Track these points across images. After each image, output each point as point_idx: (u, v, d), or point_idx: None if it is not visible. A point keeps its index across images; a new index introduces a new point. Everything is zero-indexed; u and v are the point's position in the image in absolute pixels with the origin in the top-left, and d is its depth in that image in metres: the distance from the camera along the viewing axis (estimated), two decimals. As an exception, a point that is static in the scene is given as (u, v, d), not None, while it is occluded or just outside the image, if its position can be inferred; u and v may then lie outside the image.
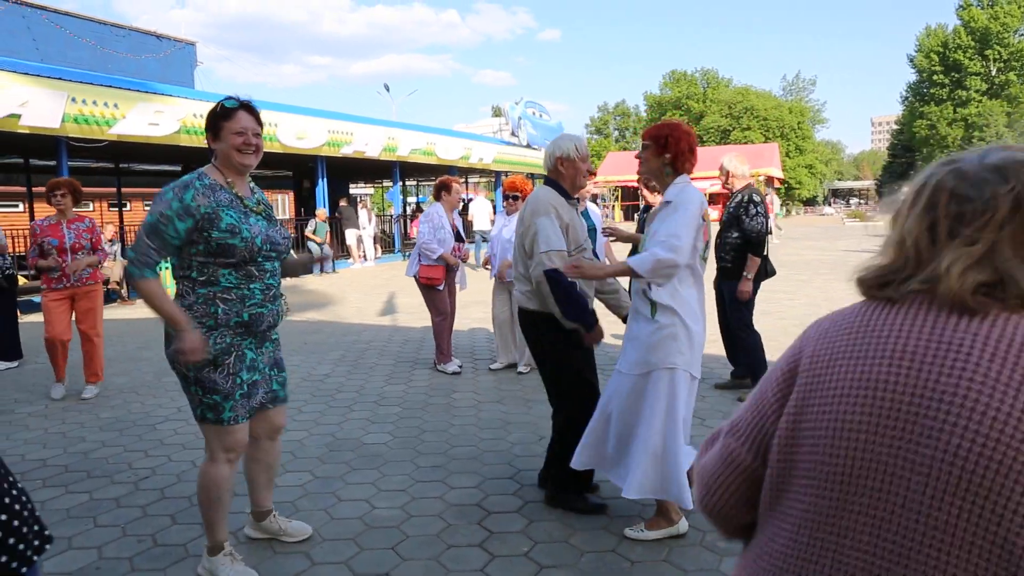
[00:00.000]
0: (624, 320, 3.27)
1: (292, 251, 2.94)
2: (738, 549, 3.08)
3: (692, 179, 3.02)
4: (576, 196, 3.34)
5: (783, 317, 8.36)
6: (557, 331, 3.21)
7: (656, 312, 2.90)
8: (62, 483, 3.83)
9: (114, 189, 21.19)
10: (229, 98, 2.67)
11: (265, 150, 11.13)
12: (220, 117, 2.63)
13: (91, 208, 32.71)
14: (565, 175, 3.26)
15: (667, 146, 2.95)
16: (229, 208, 2.59)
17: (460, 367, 6.19)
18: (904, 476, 0.84)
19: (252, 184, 2.83)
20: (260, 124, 2.72)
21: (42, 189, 5.77)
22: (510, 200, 5.98)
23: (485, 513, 3.36)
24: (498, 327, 6.27)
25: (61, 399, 5.55)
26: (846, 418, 0.89)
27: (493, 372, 6.15)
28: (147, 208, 24.52)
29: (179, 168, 21.40)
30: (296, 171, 23.58)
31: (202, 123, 10.47)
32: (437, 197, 6.30)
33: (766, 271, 5.19)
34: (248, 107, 2.66)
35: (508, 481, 3.72)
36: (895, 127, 62.82)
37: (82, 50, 20.26)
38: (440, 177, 6.43)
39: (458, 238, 6.26)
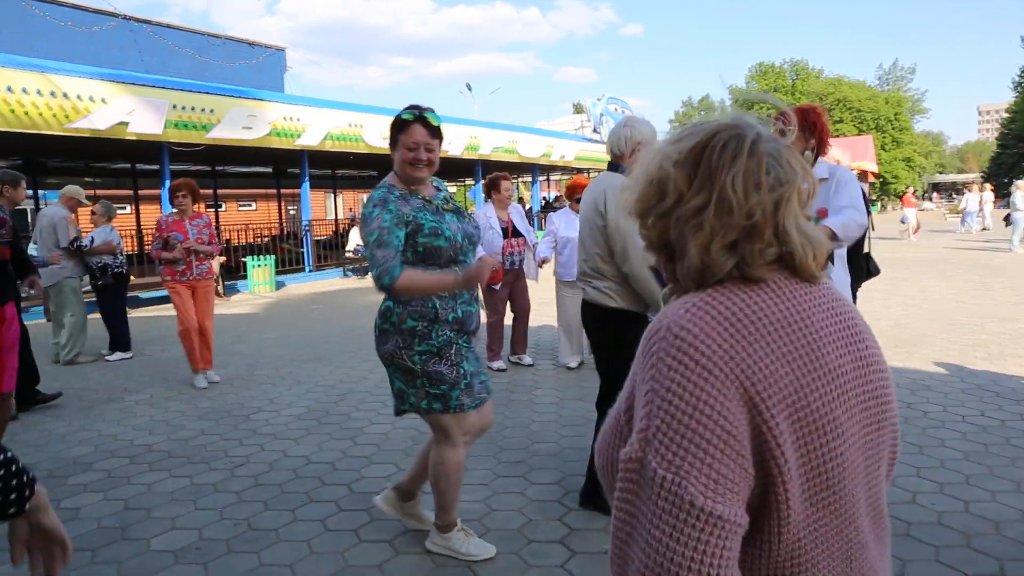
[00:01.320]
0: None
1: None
2: None
3: None
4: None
5: (878, 318, 7.96)
6: (636, 331, 3.16)
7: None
8: (166, 468, 4.06)
9: (211, 191, 22.32)
10: (409, 108, 2.67)
11: (351, 150, 11.50)
12: (396, 129, 2.67)
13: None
14: (626, 165, 3.14)
15: (813, 132, 2.94)
16: (424, 212, 2.65)
17: (505, 366, 6.25)
18: (863, 444, 0.92)
19: (435, 182, 2.86)
20: (437, 136, 2.69)
21: (151, 192, 6.22)
22: (577, 201, 5.91)
23: (566, 510, 3.35)
24: (568, 326, 6.16)
25: (205, 387, 5.87)
26: (836, 418, 0.89)
27: (574, 370, 6.12)
28: (241, 208, 25.72)
29: (269, 169, 22.37)
30: (382, 171, 24.18)
31: (290, 125, 10.90)
32: (487, 196, 6.31)
33: (868, 270, 4.91)
34: (424, 119, 2.64)
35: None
36: (1005, 115, 58.74)
37: (182, 60, 21.48)
38: (490, 175, 6.41)
39: (515, 234, 6.18)
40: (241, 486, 3.75)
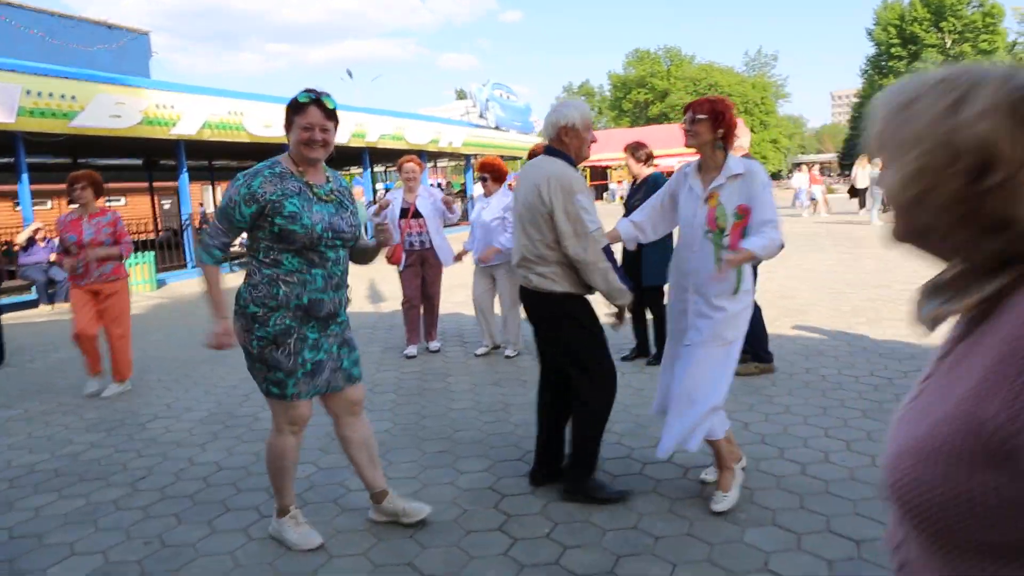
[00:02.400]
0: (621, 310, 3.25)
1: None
2: (761, 518, 3.01)
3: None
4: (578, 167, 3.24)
5: (765, 289, 8.40)
6: (586, 314, 3.16)
7: (741, 287, 3.00)
8: (55, 488, 3.68)
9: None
10: (305, 91, 2.73)
11: (231, 140, 10.89)
12: (293, 110, 2.73)
13: (48, 206, 31.78)
14: (569, 145, 3.14)
15: (722, 122, 2.97)
16: (296, 196, 2.70)
17: (415, 353, 6.21)
18: None
19: (329, 173, 2.90)
20: (332, 119, 2.76)
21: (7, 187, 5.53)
22: (488, 181, 5.86)
23: (499, 496, 3.30)
24: (480, 311, 6.15)
25: (111, 396, 5.40)
26: None
27: (485, 356, 6.07)
28: (109, 203, 23.99)
29: (140, 162, 20.84)
30: (261, 159, 23.07)
31: (164, 113, 10.17)
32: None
33: None
34: (319, 102, 2.71)
35: (518, 463, 3.66)
36: (855, 100, 63.73)
37: (30, 42, 19.49)
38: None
39: (416, 215, 6.03)
40: (146, 501, 3.45)
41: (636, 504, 3.14)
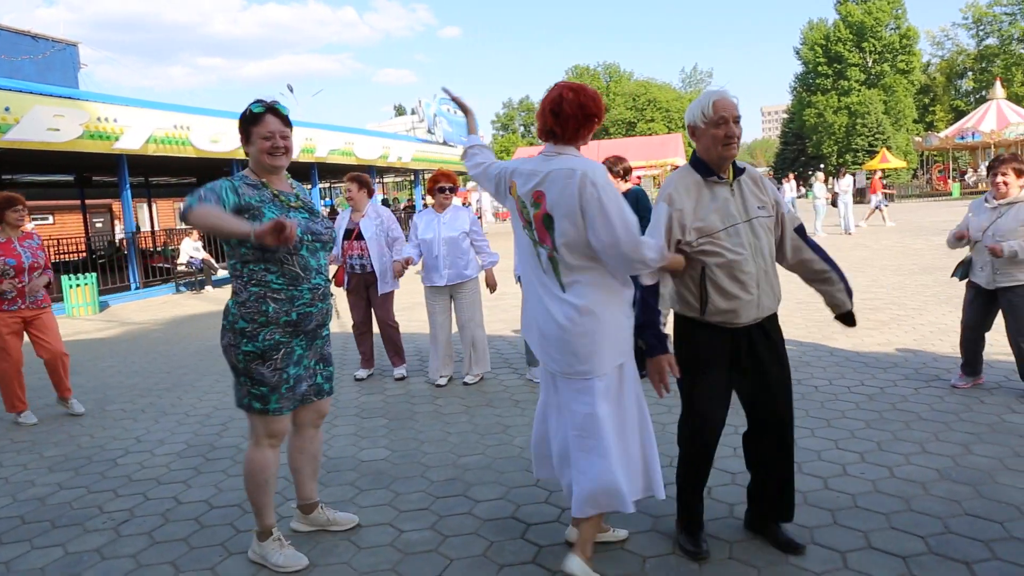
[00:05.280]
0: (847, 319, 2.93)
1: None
2: (800, 536, 2.89)
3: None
4: (720, 172, 2.67)
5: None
6: (683, 338, 2.79)
7: None
8: (22, 537, 3.32)
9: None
10: (256, 102, 2.76)
11: (176, 155, 10.53)
12: (248, 122, 2.74)
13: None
14: (698, 147, 2.71)
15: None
16: (271, 204, 2.73)
17: (369, 375, 6.01)
18: None
19: (291, 181, 2.94)
20: (288, 125, 2.80)
21: None
22: (446, 192, 5.52)
23: (525, 526, 3.13)
24: (437, 340, 5.59)
25: (83, 412, 5.38)
26: None
27: (443, 387, 5.58)
28: (36, 223, 22.70)
29: (72, 178, 19.85)
30: (202, 177, 22.31)
31: (106, 127, 9.76)
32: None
33: None
34: (274, 110, 2.75)
35: (534, 489, 3.50)
36: (784, 116, 66.18)
37: (-55, 51, 18.38)
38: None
39: (359, 237, 5.70)
40: (135, 547, 3.14)
41: (667, 527, 3.02)
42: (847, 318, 2.94)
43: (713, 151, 2.63)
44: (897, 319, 7.14)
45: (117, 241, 21.10)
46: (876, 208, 20.01)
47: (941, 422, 4.14)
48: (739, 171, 2.73)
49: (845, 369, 5.38)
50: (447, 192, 5.51)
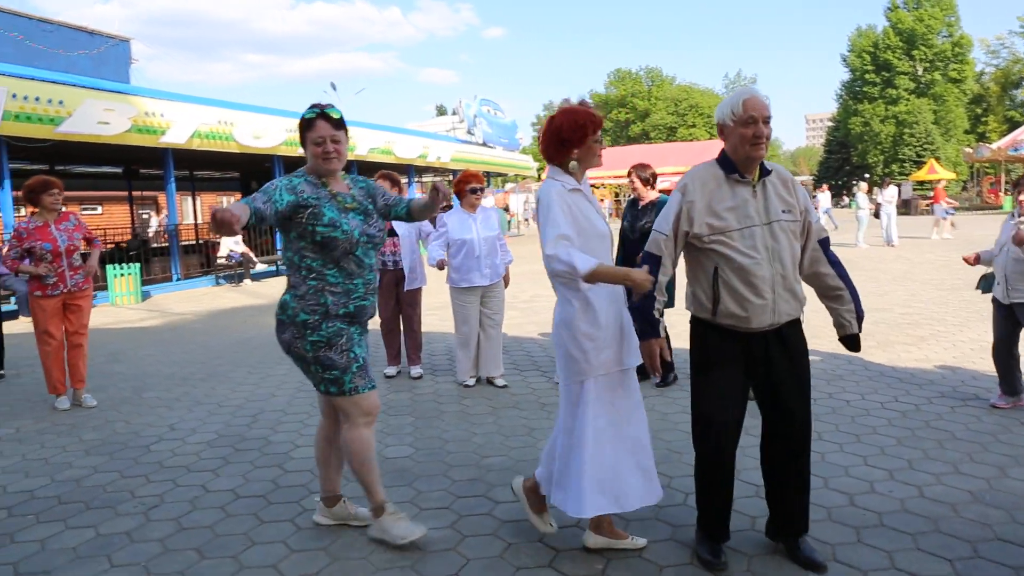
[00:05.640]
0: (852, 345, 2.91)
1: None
2: (822, 553, 2.82)
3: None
4: (745, 172, 2.65)
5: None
6: (694, 339, 2.81)
7: None
8: (59, 517, 3.43)
9: (50, 193, 20.03)
10: (310, 107, 2.86)
11: (220, 150, 10.77)
12: (303, 128, 2.87)
13: (22, 213, 31.01)
14: (726, 145, 2.69)
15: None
16: (329, 203, 2.84)
17: (397, 372, 6.08)
18: None
19: (349, 179, 3.05)
20: (340, 128, 2.87)
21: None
22: (477, 193, 5.54)
23: (543, 529, 3.13)
24: (467, 343, 5.63)
25: (95, 405, 5.37)
26: None
27: (471, 388, 5.62)
28: (85, 212, 23.50)
29: (120, 170, 20.42)
30: (245, 172, 22.76)
31: (153, 121, 10.04)
32: None
33: None
34: (325, 115, 2.84)
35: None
36: (830, 124, 64.88)
37: (7, 45, 19.03)
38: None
39: (391, 233, 5.74)
40: (162, 532, 3.23)
41: (686, 537, 2.99)
42: (851, 341, 2.88)
43: (740, 150, 2.62)
44: (937, 335, 6.96)
45: (151, 234, 21.64)
46: (942, 219, 18.70)
47: (977, 442, 4.03)
48: (766, 172, 2.70)
49: (879, 384, 5.27)
50: (478, 192, 5.55)
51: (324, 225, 2.78)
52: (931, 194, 38.52)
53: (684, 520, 3.13)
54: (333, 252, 2.81)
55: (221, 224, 2.32)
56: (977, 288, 4.87)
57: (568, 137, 2.72)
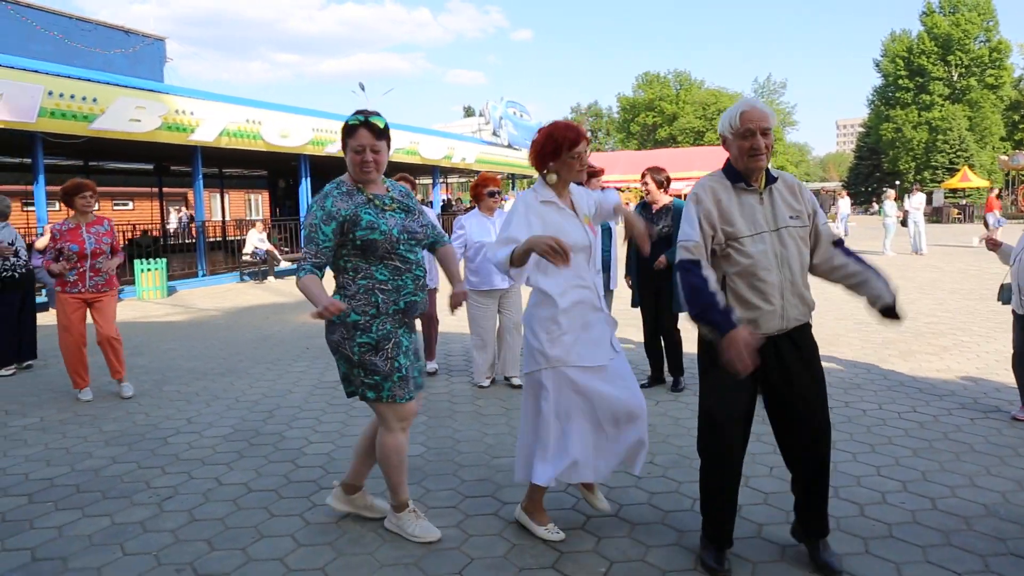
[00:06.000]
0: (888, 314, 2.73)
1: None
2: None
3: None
4: (750, 180, 2.66)
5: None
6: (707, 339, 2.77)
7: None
8: (76, 505, 3.52)
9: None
10: (356, 113, 2.86)
11: (247, 148, 10.93)
12: (345, 133, 2.87)
13: (57, 208, 31.72)
14: (730, 155, 2.72)
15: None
16: (365, 207, 2.85)
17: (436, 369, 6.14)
18: None
19: (388, 182, 3.05)
20: (382, 137, 2.86)
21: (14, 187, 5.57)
22: (495, 196, 5.58)
23: (548, 531, 3.14)
24: (485, 344, 5.68)
25: (131, 395, 5.53)
26: None
27: (486, 388, 5.65)
28: (116, 208, 24.07)
29: (151, 167, 20.81)
30: (272, 170, 23.05)
31: (183, 119, 10.21)
32: None
33: None
34: (369, 124, 2.83)
35: (563, 495, 3.51)
36: (860, 130, 63.94)
37: (47, 43, 19.51)
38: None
39: None
40: (175, 523, 3.29)
41: (692, 542, 2.98)
42: (890, 312, 2.72)
43: (740, 162, 2.65)
44: (961, 345, 6.84)
45: (176, 229, 21.95)
46: (996, 228, 17.96)
47: (996, 455, 3.95)
48: (771, 179, 2.71)
49: (897, 394, 5.19)
50: (496, 196, 5.58)
51: (362, 229, 2.81)
52: (963, 202, 37.80)
53: (689, 526, 3.12)
54: (376, 252, 2.83)
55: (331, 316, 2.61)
56: (998, 300, 4.77)
57: (546, 151, 2.92)
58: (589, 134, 3.14)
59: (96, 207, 5.62)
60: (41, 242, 6.77)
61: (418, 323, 6.10)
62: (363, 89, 35.37)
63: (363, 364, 2.86)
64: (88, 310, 5.50)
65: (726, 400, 2.68)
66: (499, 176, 5.50)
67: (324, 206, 2.81)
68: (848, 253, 2.79)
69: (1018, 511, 3.26)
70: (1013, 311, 4.59)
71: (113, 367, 5.56)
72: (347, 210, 2.81)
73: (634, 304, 5.57)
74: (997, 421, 4.55)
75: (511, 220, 2.91)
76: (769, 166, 2.74)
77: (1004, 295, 4.69)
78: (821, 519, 2.79)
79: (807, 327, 2.77)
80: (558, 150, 2.90)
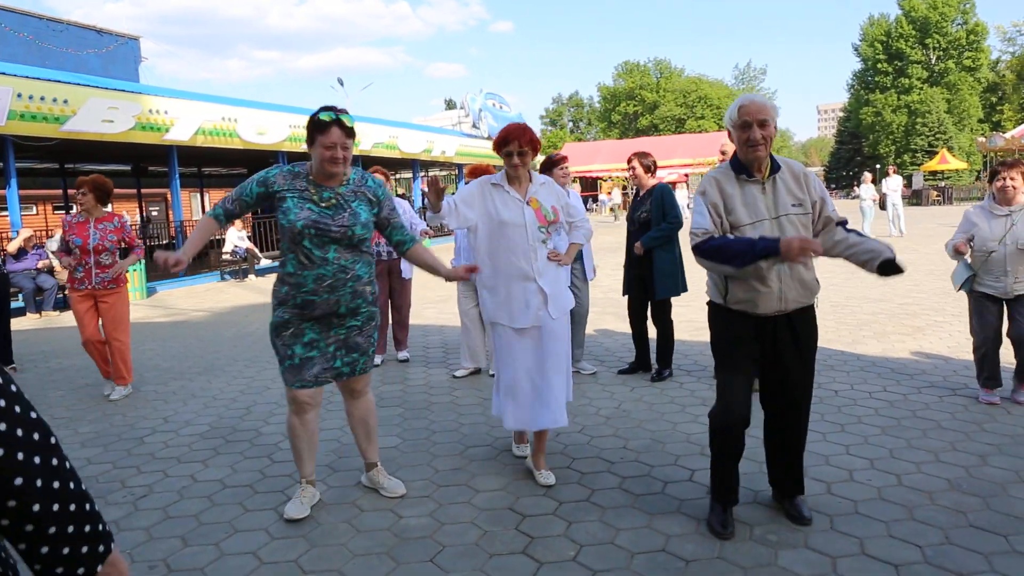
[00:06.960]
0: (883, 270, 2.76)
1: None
2: (793, 540, 2.91)
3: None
4: (753, 171, 2.81)
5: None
6: (715, 323, 3.02)
7: None
8: (50, 506, 3.51)
9: (59, 191, 20.27)
10: (326, 109, 2.93)
11: (224, 146, 10.87)
12: (315, 128, 2.93)
13: (34, 211, 31.35)
14: (735, 147, 2.88)
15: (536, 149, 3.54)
16: (298, 195, 2.98)
17: (382, 361, 6.22)
18: None
19: (357, 174, 3.14)
20: (351, 136, 2.97)
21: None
22: None
23: (520, 517, 3.18)
24: (467, 330, 5.75)
25: (117, 399, 5.46)
26: None
27: (468, 377, 5.73)
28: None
29: (129, 168, 20.60)
30: (251, 168, 22.90)
31: (157, 119, 10.14)
32: None
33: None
34: (340, 122, 2.91)
35: (535, 482, 3.55)
36: (841, 114, 64.36)
37: (17, 45, 19.26)
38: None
39: None
40: (149, 521, 3.30)
41: (662, 525, 3.03)
42: (890, 266, 2.74)
43: (741, 153, 2.83)
44: (934, 325, 6.94)
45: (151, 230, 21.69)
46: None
47: (961, 432, 4.03)
48: (776, 168, 2.84)
49: (869, 375, 5.27)
50: None
51: (280, 212, 2.99)
52: (942, 184, 38.14)
53: (661, 508, 3.17)
54: (289, 240, 2.99)
55: (164, 267, 2.79)
56: (961, 288, 4.72)
57: (494, 145, 3.48)
58: (536, 138, 3.50)
59: (108, 207, 5.61)
60: (13, 245, 6.73)
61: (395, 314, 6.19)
62: (342, 84, 35.21)
63: (273, 344, 3.13)
64: (97, 309, 5.48)
65: (740, 364, 2.92)
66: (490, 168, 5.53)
67: (268, 173, 3.05)
68: (848, 230, 2.93)
69: (980, 485, 3.33)
70: (980, 296, 4.58)
71: (115, 368, 5.54)
72: (279, 186, 2.99)
73: (624, 292, 5.63)
74: (964, 399, 4.64)
75: (465, 189, 3.50)
76: (775, 155, 2.90)
77: (968, 284, 4.62)
78: (796, 481, 3.10)
79: (809, 309, 2.96)
80: (498, 147, 3.45)
